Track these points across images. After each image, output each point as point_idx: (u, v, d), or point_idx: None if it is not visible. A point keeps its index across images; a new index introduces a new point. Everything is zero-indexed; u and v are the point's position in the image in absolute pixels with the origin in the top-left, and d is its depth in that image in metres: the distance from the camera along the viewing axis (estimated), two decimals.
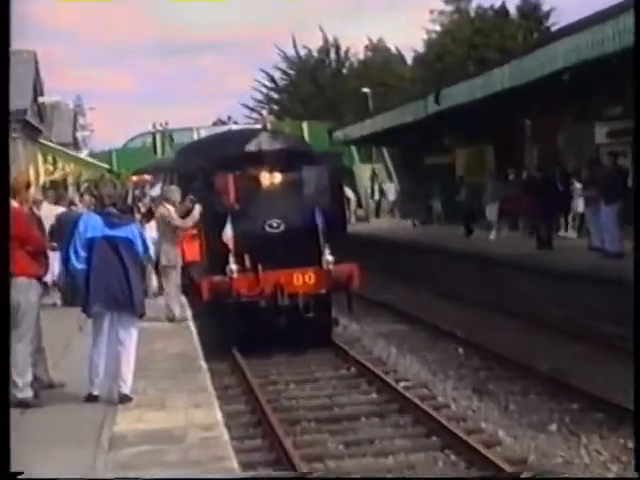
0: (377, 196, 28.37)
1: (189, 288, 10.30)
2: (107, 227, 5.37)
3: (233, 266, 9.54)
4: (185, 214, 9.33)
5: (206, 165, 10.19)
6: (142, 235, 5.59)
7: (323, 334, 10.20)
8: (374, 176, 29.55)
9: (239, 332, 9.60)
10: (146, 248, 5.68)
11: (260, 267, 9.64)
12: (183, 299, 9.99)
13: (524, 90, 12.52)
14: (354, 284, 9.93)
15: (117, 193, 5.67)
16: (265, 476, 5.00)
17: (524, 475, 5.58)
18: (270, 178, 9.94)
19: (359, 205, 28.85)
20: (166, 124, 31.32)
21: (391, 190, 28.25)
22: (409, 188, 24.95)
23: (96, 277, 5.20)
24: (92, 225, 5.36)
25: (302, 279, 9.79)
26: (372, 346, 10.69)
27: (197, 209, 9.31)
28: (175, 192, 9.57)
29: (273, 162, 9.96)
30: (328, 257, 9.84)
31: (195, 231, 9.96)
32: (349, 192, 27.15)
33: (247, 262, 9.62)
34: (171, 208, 9.37)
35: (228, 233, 9.75)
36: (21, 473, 3.18)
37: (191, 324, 8.83)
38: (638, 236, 5.69)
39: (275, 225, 9.84)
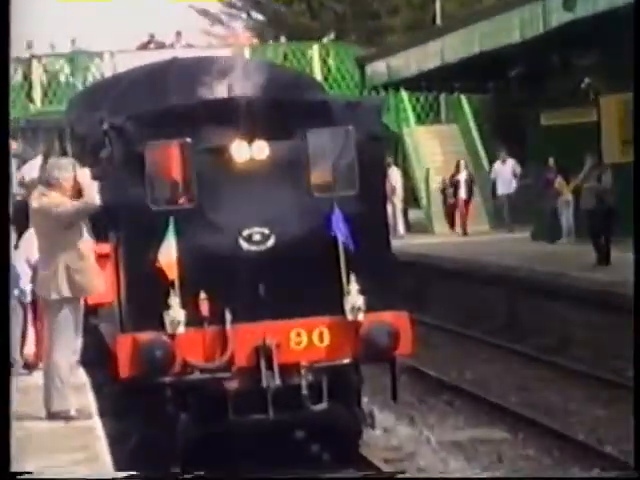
0: (450, 186, 24.09)
1: (93, 353, 9.86)
2: None
3: (177, 312, 8.72)
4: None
5: (128, 126, 9.04)
6: None
7: (346, 443, 9.45)
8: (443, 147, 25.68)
9: (189, 444, 8.92)
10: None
11: (229, 315, 8.82)
12: (82, 375, 9.48)
13: None
14: (403, 349, 9.14)
15: None
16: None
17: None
18: (250, 152, 8.90)
19: (415, 201, 25.61)
20: (53, 46, 25.78)
21: (483, 176, 23.93)
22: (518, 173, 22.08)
23: None
24: None
25: (307, 338, 8.97)
26: (438, 468, 9.82)
27: (91, 185, 8.20)
28: (65, 168, 8.40)
29: (255, 121, 9.00)
30: (356, 298, 8.91)
31: (104, 247, 9.15)
32: (395, 176, 23.68)
33: (204, 305, 8.82)
34: (59, 197, 8.19)
35: (169, 252, 8.74)
36: (21, 473, 4.27)
37: (97, 427, 7.98)
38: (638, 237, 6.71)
39: (258, 238, 8.98)
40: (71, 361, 8.30)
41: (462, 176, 23.59)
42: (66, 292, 8.05)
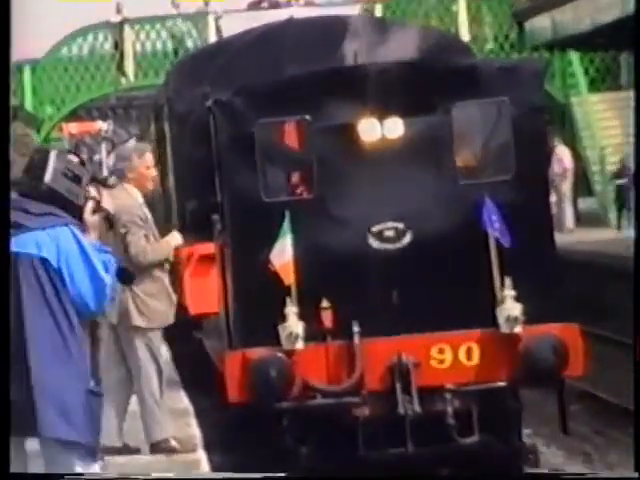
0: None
1: (197, 374, 10.49)
2: None
3: (295, 324, 8.86)
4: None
5: (237, 101, 9.25)
6: (86, 253, 5.32)
7: None
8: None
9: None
10: (99, 287, 5.34)
11: (356, 327, 8.93)
12: (183, 399, 9.85)
13: None
14: (573, 369, 9.10)
15: (27, 161, 5.52)
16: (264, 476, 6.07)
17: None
18: (382, 130, 8.99)
19: (586, 187, 25.77)
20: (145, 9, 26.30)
21: None
22: None
23: None
24: None
25: (453, 356, 9.04)
26: None
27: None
28: (139, 153, 8.94)
29: (388, 93, 9.13)
30: (512, 306, 8.89)
31: (208, 247, 9.78)
32: (562, 157, 23.98)
33: (327, 316, 8.98)
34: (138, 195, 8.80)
35: (285, 252, 8.92)
36: (21, 473, 4.66)
37: (202, 460, 8.34)
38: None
39: (391, 234, 9.09)
40: (160, 383, 8.72)
41: None
42: (137, 321, 8.52)
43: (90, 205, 5.67)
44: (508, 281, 8.77)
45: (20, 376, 5.16)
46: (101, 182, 6.13)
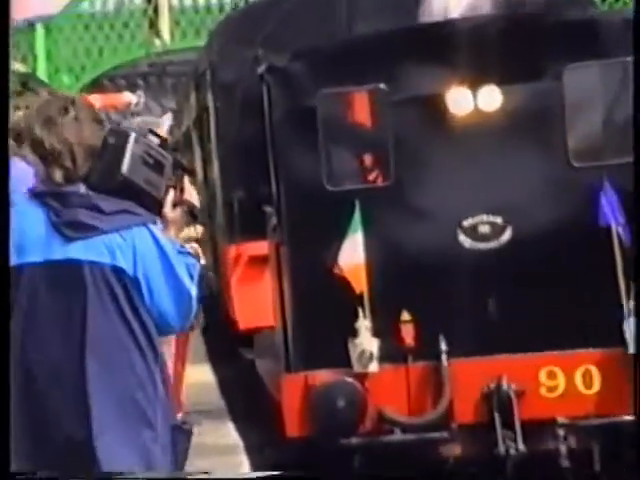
0: None
1: (248, 401, 10.82)
2: (60, 238, 5.35)
3: (368, 341, 9.03)
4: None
5: (295, 67, 9.42)
6: (169, 259, 5.41)
7: None
8: None
9: None
10: (183, 300, 5.44)
11: (444, 346, 9.04)
12: (231, 432, 10.00)
13: None
14: None
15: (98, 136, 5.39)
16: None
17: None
18: (475, 101, 9.12)
19: None
20: None
21: None
22: None
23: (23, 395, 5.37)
24: (23, 233, 5.36)
25: (566, 381, 9.20)
26: None
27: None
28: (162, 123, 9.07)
29: (483, 56, 9.23)
30: None
31: (260, 247, 10.09)
32: None
33: (407, 331, 9.17)
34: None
35: (355, 253, 9.06)
36: (21, 473, 5.07)
37: None
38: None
39: (487, 231, 9.31)
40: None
41: None
42: None
43: (172, 197, 5.74)
44: (637, 289, 8.77)
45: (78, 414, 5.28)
46: (185, 169, 6.25)
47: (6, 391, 5.29)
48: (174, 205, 5.71)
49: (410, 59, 9.24)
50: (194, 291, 5.47)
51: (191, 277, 5.53)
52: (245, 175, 11.16)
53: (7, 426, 5.25)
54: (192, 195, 6.59)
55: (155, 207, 5.48)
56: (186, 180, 6.08)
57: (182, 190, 5.92)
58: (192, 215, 6.64)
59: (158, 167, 5.51)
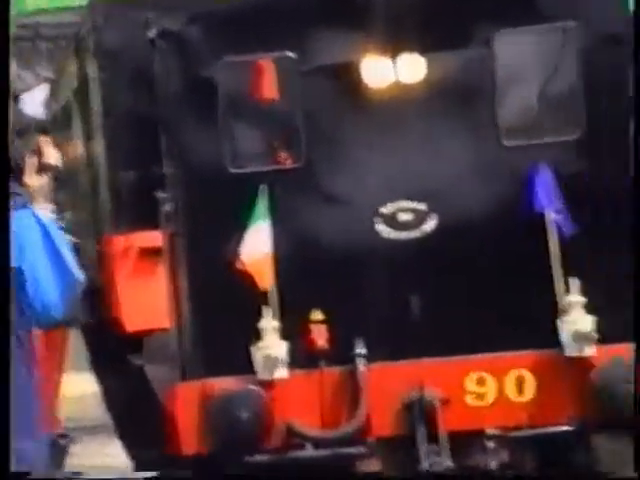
0: None
1: (136, 416, 10.69)
2: None
3: (275, 344, 9.13)
4: None
5: (191, 31, 9.47)
6: (53, 242, 5.54)
7: None
8: None
9: None
10: (68, 286, 5.64)
11: (361, 349, 9.16)
12: (117, 450, 10.02)
13: None
14: None
15: None
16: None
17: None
18: (395, 72, 9.25)
19: None
20: None
21: None
22: None
23: None
24: None
25: (497, 388, 9.31)
26: None
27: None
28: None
29: (403, 21, 9.35)
30: (581, 319, 9.09)
31: (151, 238, 10.03)
32: None
33: (319, 332, 9.24)
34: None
35: (260, 244, 9.19)
36: (21, 473, 5.79)
37: None
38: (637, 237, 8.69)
39: (408, 219, 9.35)
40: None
41: None
42: None
43: (33, 163, 5.85)
44: (575, 283, 8.91)
45: None
46: (42, 129, 6.37)
47: (6, 391, 5.65)
48: (38, 172, 5.80)
49: (321, 23, 9.28)
50: (81, 276, 5.58)
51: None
52: (135, 155, 11.05)
53: (7, 426, 5.70)
54: (54, 157, 6.74)
55: (17, 177, 5.64)
56: (45, 142, 6.21)
57: (42, 154, 6.03)
58: (57, 180, 6.72)
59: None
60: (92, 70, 12.69)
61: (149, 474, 7.61)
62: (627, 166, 10.10)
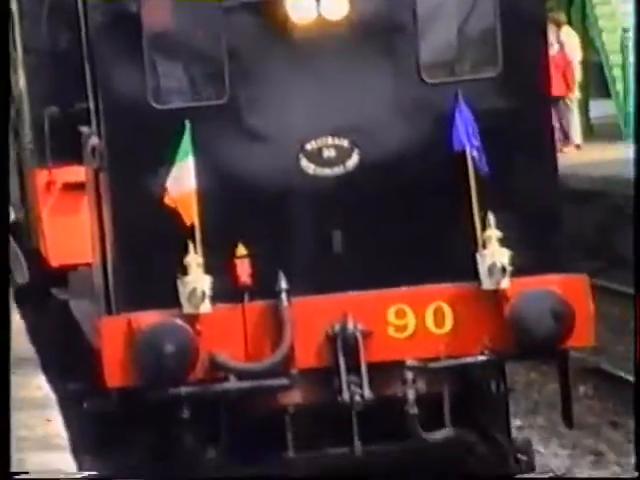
0: None
1: (60, 350, 10.76)
2: None
3: (199, 278, 9.11)
4: None
5: None
6: None
7: None
8: None
9: None
10: None
11: (284, 283, 9.21)
12: (43, 386, 10.05)
13: None
14: (580, 337, 9.38)
15: None
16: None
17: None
18: (318, 8, 9.18)
19: (603, 88, 27.17)
20: None
21: None
22: None
23: None
24: None
25: (416, 320, 9.38)
26: None
27: None
28: None
29: None
30: (498, 252, 9.14)
31: (75, 173, 10.04)
32: (568, 45, 25.45)
33: (243, 267, 9.28)
34: None
35: (185, 179, 9.11)
36: (21, 473, 6.18)
37: (70, 467, 8.14)
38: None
39: (332, 155, 9.36)
40: None
41: None
42: None
43: None
44: (491, 218, 8.97)
45: None
46: None
47: (6, 390, 5.77)
48: None
49: None
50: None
51: None
52: (58, 89, 10.87)
53: (7, 426, 5.84)
54: None
55: None
56: None
57: None
58: None
59: None
60: (13, 4, 12.55)
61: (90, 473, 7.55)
62: (544, 104, 10.19)
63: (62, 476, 5.80)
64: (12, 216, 9.54)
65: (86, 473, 5.86)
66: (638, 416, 7.57)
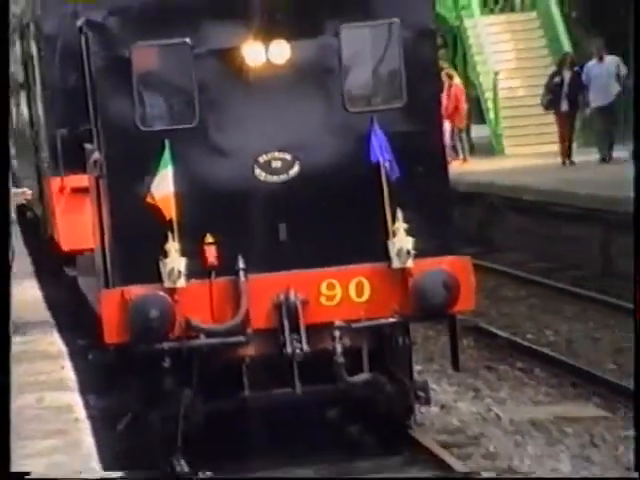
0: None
1: (71, 313, 10.57)
2: None
3: (176, 260, 8.97)
4: None
5: (111, 22, 9.12)
6: None
7: (392, 423, 9.70)
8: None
9: (193, 426, 9.18)
10: None
11: (242, 263, 9.11)
12: (57, 341, 9.63)
13: None
14: (464, 303, 9.40)
15: None
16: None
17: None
18: (267, 54, 9.06)
19: (479, 115, 26.81)
20: None
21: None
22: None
23: None
24: None
25: (342, 292, 9.26)
26: (512, 454, 9.85)
27: None
28: None
29: (273, 14, 9.23)
30: (404, 240, 9.16)
31: (81, 180, 9.77)
32: (454, 83, 24.57)
33: (210, 251, 9.14)
34: None
35: (165, 184, 8.92)
36: (21, 473, 5.03)
37: (77, 404, 8.11)
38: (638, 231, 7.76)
39: (278, 165, 9.31)
40: None
41: (566, 77, 21.93)
42: None
43: None
44: (399, 213, 8.88)
45: None
46: None
47: (6, 390, 5.22)
48: None
49: (211, 16, 9.08)
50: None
51: None
52: (67, 116, 10.77)
53: (7, 426, 5.14)
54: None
55: None
56: None
57: None
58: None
59: None
60: (33, 50, 12.36)
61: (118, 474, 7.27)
62: (438, 129, 10.02)
63: (62, 476, 5.31)
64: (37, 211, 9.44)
65: (86, 474, 5.34)
66: (638, 416, 7.22)
